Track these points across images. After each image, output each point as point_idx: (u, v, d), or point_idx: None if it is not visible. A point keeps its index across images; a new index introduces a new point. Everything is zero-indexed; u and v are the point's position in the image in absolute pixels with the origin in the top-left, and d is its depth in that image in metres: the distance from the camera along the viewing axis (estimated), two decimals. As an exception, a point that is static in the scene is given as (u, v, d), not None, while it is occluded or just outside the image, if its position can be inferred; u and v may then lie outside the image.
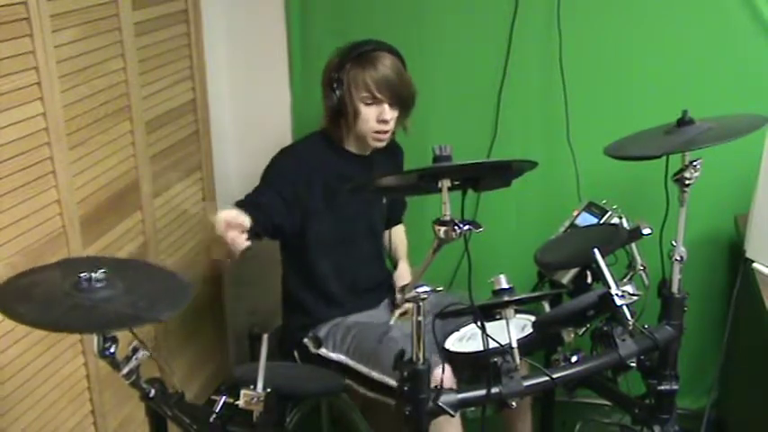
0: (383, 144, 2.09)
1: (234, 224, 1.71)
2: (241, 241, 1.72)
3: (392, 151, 2.23)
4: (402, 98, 2.05)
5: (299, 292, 2.17)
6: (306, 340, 2.12)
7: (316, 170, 2.06)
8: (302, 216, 2.05)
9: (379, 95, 2.00)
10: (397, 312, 2.10)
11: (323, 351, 2.08)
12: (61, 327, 1.34)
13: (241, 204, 1.99)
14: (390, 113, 2.03)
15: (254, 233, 1.93)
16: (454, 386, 1.77)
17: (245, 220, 1.74)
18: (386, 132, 2.06)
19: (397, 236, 2.40)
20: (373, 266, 2.26)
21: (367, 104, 2.02)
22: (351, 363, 2.01)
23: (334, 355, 2.05)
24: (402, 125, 2.14)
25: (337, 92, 2.02)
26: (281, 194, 1.99)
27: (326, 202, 2.07)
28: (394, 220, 2.39)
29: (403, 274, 2.29)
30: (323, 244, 2.11)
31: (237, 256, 1.79)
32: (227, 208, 1.77)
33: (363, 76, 1.99)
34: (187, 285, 1.44)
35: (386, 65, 2.01)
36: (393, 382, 1.85)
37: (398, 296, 2.16)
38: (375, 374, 1.95)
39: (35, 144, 1.70)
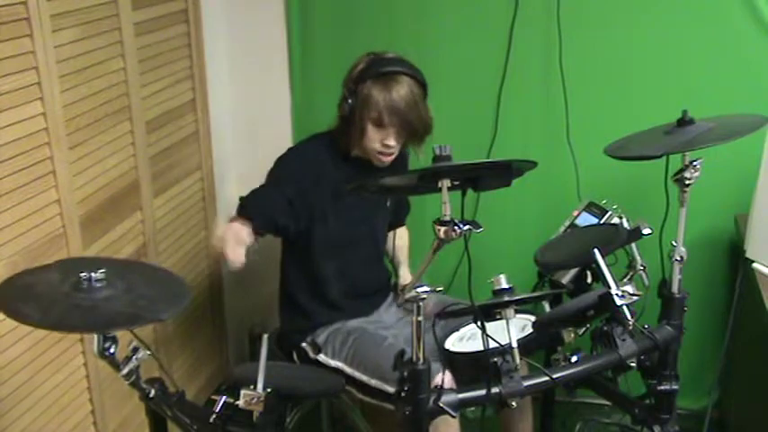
0: (385, 164, 2.06)
1: (235, 240, 1.71)
2: (240, 255, 1.70)
3: (399, 155, 2.19)
4: (411, 127, 2.00)
5: (298, 295, 2.16)
6: (305, 345, 2.12)
7: (323, 172, 2.05)
8: (308, 218, 2.05)
9: (386, 121, 1.97)
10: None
11: (322, 357, 2.07)
12: (62, 327, 1.34)
13: (245, 201, 1.99)
14: (395, 140, 2.00)
15: (256, 230, 1.93)
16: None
17: (247, 236, 1.73)
18: (389, 155, 2.03)
19: (400, 238, 2.39)
20: (374, 270, 2.26)
21: (374, 126, 1.98)
22: (349, 370, 2.01)
23: (332, 362, 2.05)
24: (413, 151, 2.12)
25: (350, 102, 1.99)
26: (286, 194, 1.99)
27: (332, 204, 2.06)
28: (397, 222, 2.39)
29: (406, 280, 2.29)
30: (326, 247, 2.10)
31: (235, 267, 1.78)
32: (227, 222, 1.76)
33: (377, 97, 1.95)
34: (186, 285, 1.44)
35: (401, 93, 1.95)
36: (392, 390, 1.85)
37: (400, 300, 2.18)
38: (374, 382, 1.95)
39: (35, 144, 1.70)
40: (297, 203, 2.00)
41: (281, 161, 2.07)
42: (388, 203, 2.22)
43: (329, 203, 2.06)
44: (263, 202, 1.98)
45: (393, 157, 2.05)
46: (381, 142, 2.00)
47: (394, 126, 1.97)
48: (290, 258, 2.19)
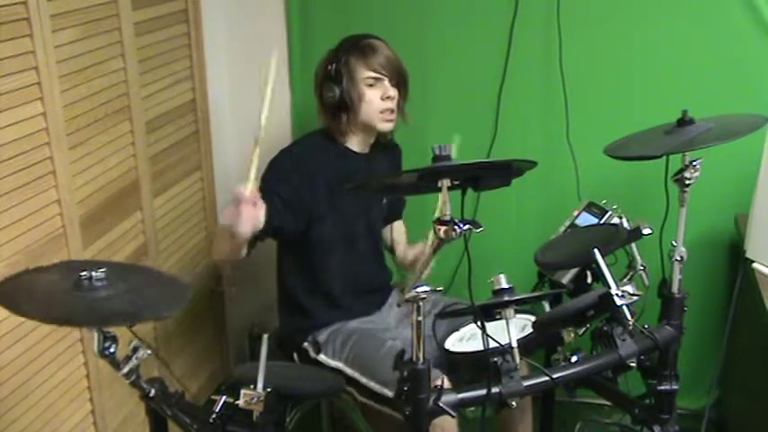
0: (391, 125, 2.11)
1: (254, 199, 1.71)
2: (260, 215, 1.72)
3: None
4: (401, 75, 2.10)
5: (299, 294, 2.16)
6: (306, 344, 2.12)
7: (316, 171, 2.06)
8: (306, 218, 2.05)
9: (381, 73, 2.05)
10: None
11: (322, 357, 2.08)
12: (63, 320, 1.34)
13: None
14: (393, 90, 2.07)
15: (253, 236, 1.93)
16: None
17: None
18: (392, 112, 2.08)
19: (398, 231, 2.39)
20: (373, 266, 2.26)
21: (369, 86, 2.05)
22: (349, 371, 2.01)
23: (332, 363, 2.05)
24: (401, 112, 2.14)
25: (337, 83, 2.04)
26: (280, 197, 1.99)
27: (328, 202, 2.07)
28: (395, 216, 2.39)
29: (418, 250, 2.23)
30: (325, 245, 2.10)
31: (246, 238, 1.75)
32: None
33: (362, 60, 2.05)
34: (186, 287, 1.44)
35: (380, 46, 2.07)
36: (391, 394, 1.85)
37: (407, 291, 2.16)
38: (373, 385, 1.95)
39: (35, 144, 1.70)
40: (294, 205, 2.00)
41: (273, 164, 2.07)
42: (384, 200, 2.23)
43: (325, 201, 2.06)
44: None
45: (395, 116, 2.10)
46: (382, 97, 2.06)
47: (387, 74, 2.06)
48: (287, 257, 2.18)
